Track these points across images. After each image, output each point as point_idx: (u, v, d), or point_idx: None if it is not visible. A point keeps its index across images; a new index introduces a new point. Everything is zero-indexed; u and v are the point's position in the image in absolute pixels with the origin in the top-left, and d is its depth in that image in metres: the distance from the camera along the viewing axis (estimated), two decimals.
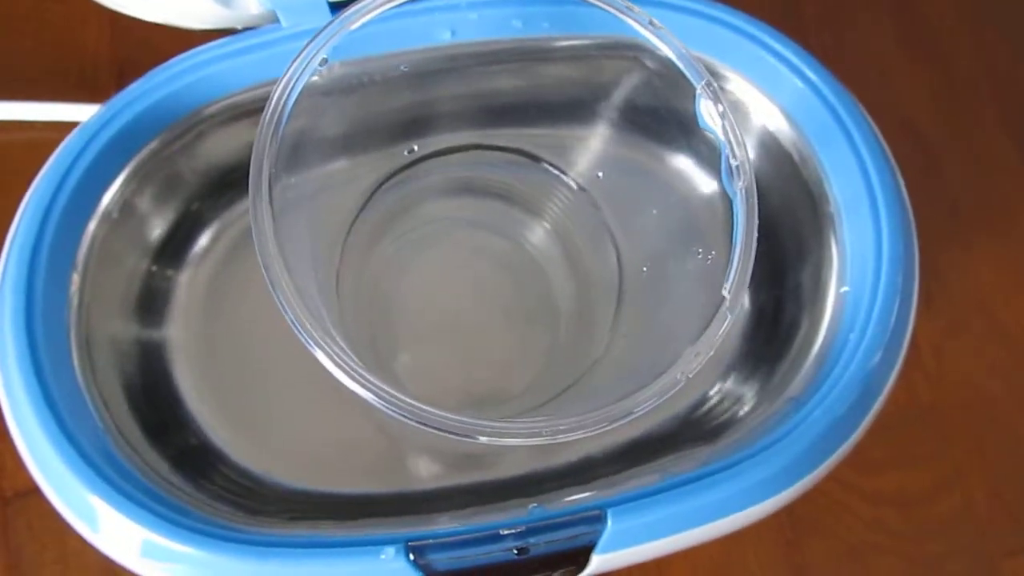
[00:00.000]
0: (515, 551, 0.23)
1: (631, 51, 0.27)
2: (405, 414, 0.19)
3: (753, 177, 0.21)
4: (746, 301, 0.28)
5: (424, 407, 0.19)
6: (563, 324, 0.28)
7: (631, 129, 0.28)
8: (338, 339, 0.20)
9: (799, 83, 0.26)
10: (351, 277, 0.28)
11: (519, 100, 0.28)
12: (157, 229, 0.27)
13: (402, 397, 0.19)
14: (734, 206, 0.21)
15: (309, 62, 0.21)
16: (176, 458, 0.25)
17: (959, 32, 0.40)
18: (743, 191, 0.21)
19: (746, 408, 0.26)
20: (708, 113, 0.22)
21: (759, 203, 0.21)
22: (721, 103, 0.21)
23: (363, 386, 0.19)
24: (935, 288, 0.36)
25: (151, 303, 0.27)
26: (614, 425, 0.19)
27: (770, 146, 0.27)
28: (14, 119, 0.32)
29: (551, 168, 0.29)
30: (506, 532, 0.23)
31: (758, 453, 0.23)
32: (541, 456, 0.28)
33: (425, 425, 0.18)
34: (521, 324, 0.29)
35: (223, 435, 0.27)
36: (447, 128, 0.28)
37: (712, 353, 0.20)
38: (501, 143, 0.28)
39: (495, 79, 0.28)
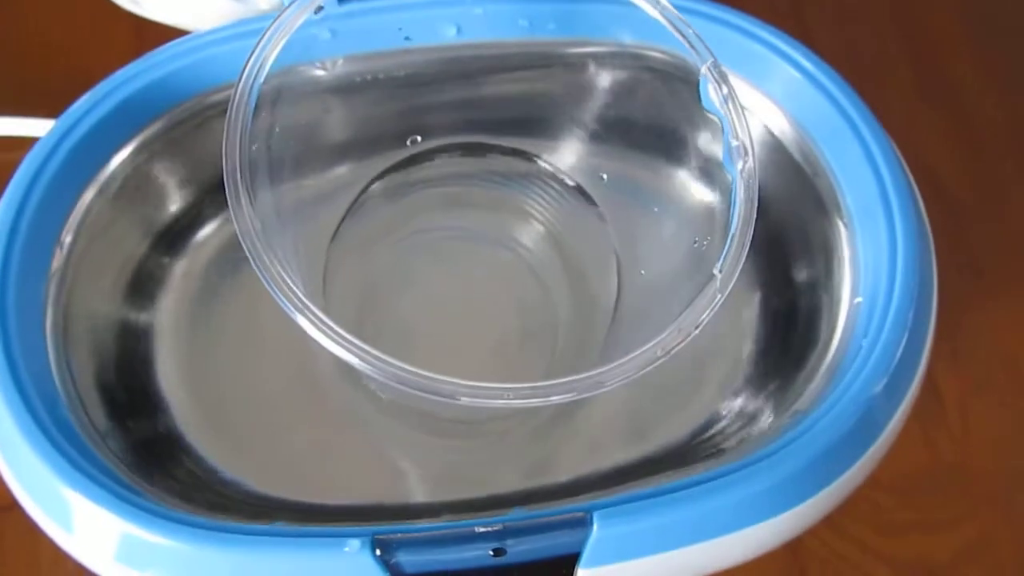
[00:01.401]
0: (491, 552, 0.21)
1: (635, 60, 0.27)
2: (386, 374, 0.17)
3: (755, 159, 0.20)
4: (756, 312, 0.27)
5: (405, 366, 0.18)
6: (560, 337, 0.27)
7: (630, 140, 0.28)
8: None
9: (814, 91, 0.25)
10: (339, 283, 0.27)
11: (519, 107, 0.28)
12: (160, 213, 0.27)
13: (384, 356, 0.18)
14: (733, 186, 0.20)
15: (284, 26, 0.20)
16: (139, 445, 0.24)
17: (983, 89, 0.40)
18: (743, 172, 0.20)
19: (757, 428, 0.25)
20: (713, 94, 0.21)
21: (763, 199, 0.20)
22: (725, 85, 0.21)
23: (347, 349, 0.18)
24: (959, 345, 0.35)
25: (142, 287, 0.26)
26: (584, 395, 0.18)
27: (778, 153, 0.26)
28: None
29: (547, 166, 0.28)
30: (482, 530, 0.21)
31: (759, 461, 0.21)
32: (532, 476, 0.26)
33: (405, 385, 0.17)
34: (517, 339, 0.28)
35: (194, 429, 0.26)
36: (444, 131, 0.28)
37: (696, 332, 0.19)
38: (499, 143, 0.28)
39: (496, 86, 0.27)
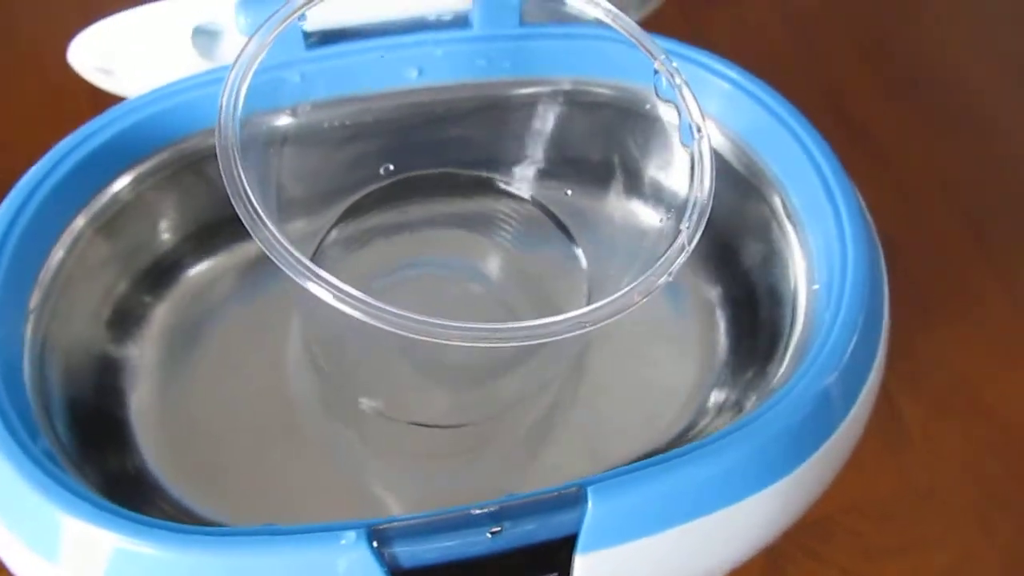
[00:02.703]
0: (488, 534, 0.21)
1: (587, 97, 0.29)
2: (387, 323, 0.18)
3: (707, 131, 0.22)
4: (721, 310, 0.28)
5: (404, 313, 0.18)
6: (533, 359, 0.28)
7: (587, 166, 0.29)
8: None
9: (749, 101, 0.27)
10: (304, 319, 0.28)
11: (480, 142, 0.29)
12: (143, 254, 0.27)
13: (382, 305, 0.18)
14: (692, 154, 0.22)
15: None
16: (112, 483, 0.24)
17: (899, 132, 0.43)
18: (698, 141, 0.22)
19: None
20: (666, 83, 0.23)
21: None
22: (678, 76, 0.23)
23: (350, 305, 0.18)
24: (916, 371, 0.36)
25: (121, 323, 0.26)
26: (568, 335, 0.18)
27: (719, 165, 0.28)
28: None
29: (512, 190, 0.29)
30: (478, 512, 0.21)
31: (751, 423, 0.22)
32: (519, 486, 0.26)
33: (401, 331, 0.18)
34: (489, 363, 0.28)
35: (167, 468, 0.25)
36: (408, 167, 0.29)
37: (670, 279, 0.20)
38: (461, 173, 0.29)
39: (456, 126, 0.29)
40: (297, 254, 0.18)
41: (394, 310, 0.17)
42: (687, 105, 0.22)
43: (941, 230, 0.40)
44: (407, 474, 0.27)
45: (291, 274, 0.18)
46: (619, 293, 0.19)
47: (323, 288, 0.18)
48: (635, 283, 0.19)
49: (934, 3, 0.49)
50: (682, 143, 0.22)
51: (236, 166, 0.19)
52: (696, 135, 0.22)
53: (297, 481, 0.27)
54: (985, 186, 0.42)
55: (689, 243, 0.20)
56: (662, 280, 0.19)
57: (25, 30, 0.41)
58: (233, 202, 0.19)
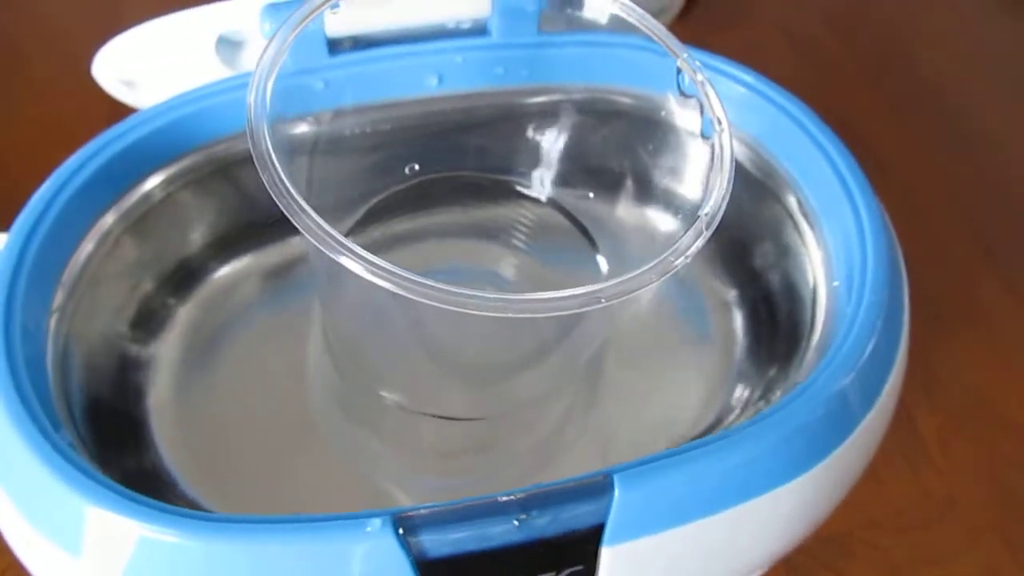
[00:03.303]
0: (516, 522, 0.21)
1: (604, 104, 0.29)
2: (433, 298, 0.18)
3: (729, 126, 0.22)
4: (739, 308, 0.28)
5: (445, 286, 0.18)
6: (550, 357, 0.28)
7: (601, 172, 0.29)
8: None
9: (761, 102, 0.28)
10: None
11: (498, 148, 0.30)
12: (171, 254, 0.28)
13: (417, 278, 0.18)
14: (713, 146, 0.22)
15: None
16: (125, 480, 0.23)
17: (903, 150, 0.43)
18: (719, 134, 0.22)
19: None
20: (688, 80, 0.23)
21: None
22: (700, 72, 0.23)
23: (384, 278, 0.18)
24: (932, 383, 0.36)
25: (144, 322, 0.26)
26: (575, 311, 0.19)
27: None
28: None
29: (531, 193, 0.30)
30: (505, 499, 0.21)
31: (777, 412, 0.22)
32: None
33: (430, 300, 0.18)
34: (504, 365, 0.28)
35: (182, 466, 0.25)
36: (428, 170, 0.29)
37: (687, 261, 0.20)
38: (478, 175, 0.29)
39: (474, 134, 0.29)
40: (327, 227, 0.18)
41: (420, 279, 0.18)
42: (709, 100, 0.23)
43: (950, 245, 0.40)
44: (424, 476, 0.27)
45: (322, 247, 0.18)
46: (636, 272, 0.19)
47: (355, 261, 0.18)
48: (652, 263, 0.19)
49: (935, 25, 0.50)
50: (703, 135, 0.23)
51: (264, 139, 0.19)
52: (717, 127, 0.22)
53: (314, 482, 0.26)
54: (991, 200, 0.42)
55: (707, 228, 0.20)
56: (679, 261, 0.19)
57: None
58: (260, 171, 0.19)
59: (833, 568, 0.33)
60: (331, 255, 0.18)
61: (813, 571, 0.32)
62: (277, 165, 0.19)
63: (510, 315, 0.18)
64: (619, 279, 0.19)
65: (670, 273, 0.20)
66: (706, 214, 0.21)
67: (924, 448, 0.35)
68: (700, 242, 0.20)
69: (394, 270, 0.17)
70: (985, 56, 0.48)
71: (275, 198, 0.18)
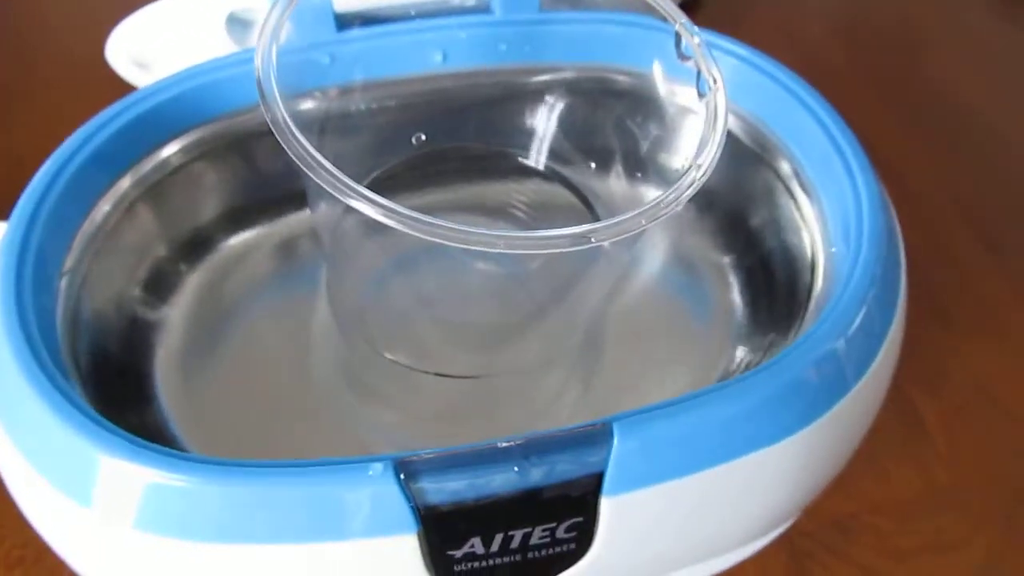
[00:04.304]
0: (515, 469, 0.21)
1: (605, 81, 0.30)
2: (432, 234, 0.18)
3: (723, 85, 0.23)
4: (737, 275, 0.29)
5: (450, 224, 0.19)
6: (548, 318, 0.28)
7: (602, 147, 0.30)
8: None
9: (756, 74, 0.28)
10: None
11: (500, 123, 0.30)
12: (186, 221, 0.28)
13: (432, 220, 0.19)
14: (708, 103, 0.22)
15: None
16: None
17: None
18: (714, 92, 0.22)
19: None
20: (685, 44, 0.24)
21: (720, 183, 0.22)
22: (697, 36, 0.24)
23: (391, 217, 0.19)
24: (934, 373, 0.36)
25: (155, 286, 0.27)
26: (566, 249, 0.19)
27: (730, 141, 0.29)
28: None
29: (530, 164, 0.30)
30: (504, 445, 0.21)
31: (774, 365, 0.22)
32: None
33: (446, 240, 0.18)
34: (504, 330, 0.29)
35: (186, 428, 0.26)
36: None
37: (678, 208, 0.20)
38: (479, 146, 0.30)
39: (478, 110, 0.30)
40: (336, 171, 0.19)
41: (423, 217, 0.18)
42: (704, 62, 0.23)
43: (955, 242, 0.41)
44: (424, 441, 0.27)
45: (333, 192, 0.18)
46: (627, 215, 0.19)
47: (364, 203, 0.18)
48: (643, 207, 0.20)
49: (938, 27, 0.50)
50: (699, 92, 0.23)
51: (272, 82, 0.20)
52: (713, 86, 0.23)
53: (314, 444, 0.27)
54: (995, 198, 0.43)
55: (700, 175, 0.20)
56: (669, 208, 0.20)
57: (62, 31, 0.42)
58: (268, 119, 0.19)
59: (837, 553, 0.33)
60: (340, 198, 0.18)
61: (817, 555, 0.32)
62: (282, 106, 0.19)
63: (504, 251, 0.18)
64: (610, 221, 0.19)
65: (660, 218, 0.20)
66: (698, 164, 0.21)
67: (929, 438, 0.35)
68: (691, 191, 0.20)
69: (399, 209, 0.18)
70: (987, 57, 0.49)
71: (278, 135, 0.19)
